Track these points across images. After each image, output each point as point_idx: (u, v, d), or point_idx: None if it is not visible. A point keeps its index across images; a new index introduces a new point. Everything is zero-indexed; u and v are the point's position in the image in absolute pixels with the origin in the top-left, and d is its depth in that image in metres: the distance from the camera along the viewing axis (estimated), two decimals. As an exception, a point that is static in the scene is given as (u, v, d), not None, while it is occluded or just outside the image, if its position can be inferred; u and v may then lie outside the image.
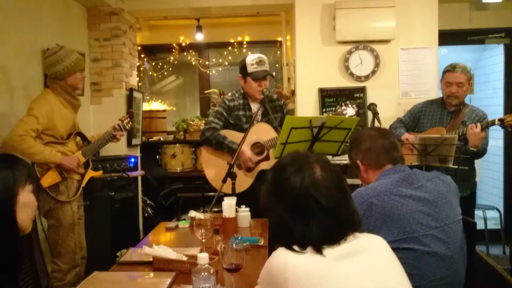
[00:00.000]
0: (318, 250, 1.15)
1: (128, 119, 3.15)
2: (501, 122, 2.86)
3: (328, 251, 1.15)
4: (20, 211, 1.32)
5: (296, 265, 1.13)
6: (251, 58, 3.05)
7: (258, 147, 3.05)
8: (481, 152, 3.04)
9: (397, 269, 1.23)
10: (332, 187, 1.22)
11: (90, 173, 3.02)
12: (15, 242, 1.30)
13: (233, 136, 3.02)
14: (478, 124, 2.89)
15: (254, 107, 3.12)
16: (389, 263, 1.23)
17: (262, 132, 3.01)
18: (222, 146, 3.00)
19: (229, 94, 3.19)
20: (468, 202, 3.10)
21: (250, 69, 3.02)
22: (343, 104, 3.06)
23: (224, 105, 3.10)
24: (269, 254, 2.01)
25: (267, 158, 3.04)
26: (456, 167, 2.88)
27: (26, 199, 1.34)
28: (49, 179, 2.74)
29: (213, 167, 3.10)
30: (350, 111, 2.92)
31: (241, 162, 2.99)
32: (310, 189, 1.20)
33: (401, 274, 1.23)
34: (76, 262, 2.88)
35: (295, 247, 1.17)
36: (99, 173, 3.17)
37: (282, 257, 1.17)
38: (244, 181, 2.97)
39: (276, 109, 3.17)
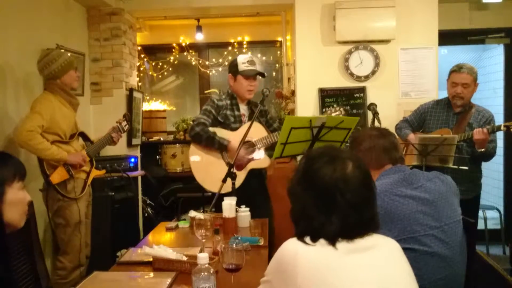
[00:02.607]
0: (332, 243, 1.16)
1: (125, 121, 3.21)
2: (507, 128, 2.86)
3: (341, 244, 1.16)
4: (8, 209, 1.32)
5: (306, 254, 1.15)
6: (243, 57, 3.10)
7: (249, 146, 3.06)
8: (488, 154, 3.03)
9: (407, 270, 1.24)
10: (361, 184, 1.23)
11: (94, 172, 3.09)
12: (2, 238, 1.30)
13: (222, 134, 3.04)
14: (485, 130, 2.87)
15: (242, 107, 3.14)
16: (397, 262, 1.23)
17: (253, 131, 3.02)
18: (213, 142, 3.00)
19: (217, 94, 3.21)
20: (472, 205, 3.09)
21: (242, 67, 3.06)
22: (331, 107, 3.09)
23: (213, 104, 3.11)
24: (269, 254, 2.02)
25: None
26: (456, 167, 2.88)
27: (14, 196, 1.34)
28: (58, 176, 2.80)
29: (203, 166, 3.09)
30: (341, 114, 2.98)
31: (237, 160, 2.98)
32: (339, 182, 1.21)
33: (410, 276, 1.23)
34: (81, 261, 2.94)
35: (306, 239, 1.18)
36: (102, 172, 3.23)
37: (293, 246, 1.18)
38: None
39: (261, 113, 3.19)
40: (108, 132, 3.12)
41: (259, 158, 3.05)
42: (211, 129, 3.04)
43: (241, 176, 3.01)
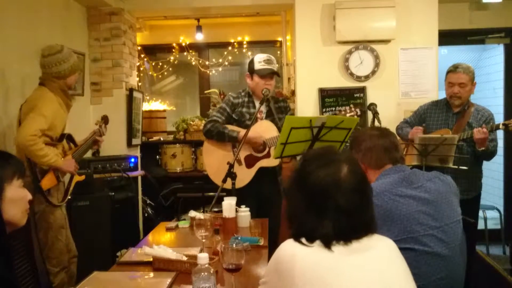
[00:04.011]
0: (327, 246, 1.15)
1: (104, 124, 3.17)
2: (505, 126, 2.86)
3: (338, 247, 1.16)
4: (8, 207, 1.32)
5: (304, 256, 1.14)
6: (260, 56, 3.11)
7: (260, 144, 3.07)
8: (490, 152, 3.03)
9: (403, 269, 1.24)
10: (354, 190, 1.20)
11: (76, 177, 3.00)
12: (3, 237, 1.30)
13: (234, 129, 3.08)
14: (484, 129, 2.87)
15: (258, 105, 3.14)
16: (394, 262, 1.23)
17: (264, 129, 3.04)
18: (223, 136, 3.04)
19: (235, 92, 3.25)
20: (472, 205, 3.09)
21: (257, 66, 3.07)
22: (346, 107, 3.08)
23: (228, 102, 3.15)
24: (269, 254, 2.01)
25: (268, 155, 3.07)
26: (456, 167, 2.88)
27: (14, 194, 1.34)
28: (48, 182, 2.74)
29: (214, 161, 3.13)
30: (356, 116, 2.97)
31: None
32: (331, 187, 1.19)
33: (407, 275, 1.23)
34: (65, 263, 2.87)
35: (303, 240, 1.17)
36: (82, 178, 3.12)
37: (290, 247, 1.18)
38: (244, 177, 3.01)
39: (281, 110, 3.21)
40: (90, 136, 3.05)
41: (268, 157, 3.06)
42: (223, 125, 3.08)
43: (250, 173, 3.04)
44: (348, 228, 1.18)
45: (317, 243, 1.16)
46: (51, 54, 2.80)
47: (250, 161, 3.07)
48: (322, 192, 1.20)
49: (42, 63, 2.83)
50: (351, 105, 3.06)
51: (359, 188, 1.22)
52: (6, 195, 1.32)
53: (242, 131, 3.00)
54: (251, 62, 3.12)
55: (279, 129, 3.06)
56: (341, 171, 1.21)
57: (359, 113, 2.98)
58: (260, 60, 3.07)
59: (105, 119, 3.23)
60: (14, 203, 1.35)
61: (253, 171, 3.06)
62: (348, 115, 2.98)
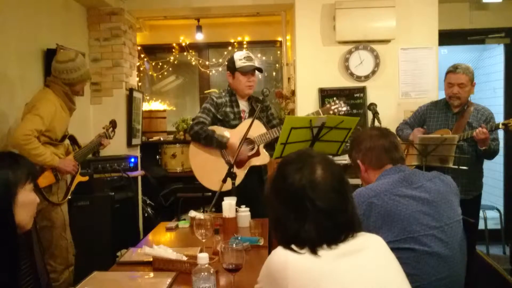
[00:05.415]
0: (313, 251, 1.14)
1: (112, 128, 3.20)
2: (505, 126, 2.86)
3: (324, 252, 1.14)
4: (20, 210, 1.32)
5: (296, 263, 1.13)
6: (240, 54, 3.10)
7: (249, 143, 3.05)
8: (492, 151, 3.03)
9: (395, 267, 1.23)
10: (331, 189, 1.19)
11: (79, 178, 3.03)
12: (14, 241, 1.30)
13: (221, 132, 3.04)
14: (484, 129, 2.87)
15: (242, 104, 3.14)
16: (387, 261, 1.22)
17: (252, 128, 3.01)
18: (211, 141, 3.00)
19: (217, 92, 3.21)
20: (473, 205, 3.09)
21: (239, 63, 3.05)
22: (332, 101, 3.09)
23: (212, 102, 3.11)
24: (269, 254, 2.01)
25: (257, 153, 3.05)
26: (456, 167, 2.88)
27: (26, 198, 1.34)
28: (45, 180, 2.75)
29: (202, 163, 3.10)
30: (340, 107, 3.01)
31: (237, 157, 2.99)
32: (307, 189, 1.18)
33: (399, 272, 1.23)
34: (70, 261, 2.91)
35: (293, 247, 1.16)
36: (85, 179, 3.15)
37: (282, 255, 1.16)
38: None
39: (262, 109, 3.18)
40: (96, 139, 3.10)
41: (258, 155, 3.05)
42: (210, 127, 3.04)
43: (241, 173, 3.02)
44: (331, 230, 1.17)
45: (307, 249, 1.15)
46: (63, 61, 2.83)
47: (240, 161, 3.05)
48: (299, 195, 1.18)
49: (53, 67, 2.86)
50: (335, 98, 3.07)
51: (336, 187, 1.20)
52: (18, 199, 1.31)
53: (231, 138, 2.98)
54: (231, 61, 3.09)
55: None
56: (316, 172, 1.20)
57: (343, 105, 2.99)
58: (240, 57, 3.05)
59: (113, 124, 3.25)
60: (25, 207, 1.34)
61: (243, 170, 3.03)
62: (333, 107, 2.98)
